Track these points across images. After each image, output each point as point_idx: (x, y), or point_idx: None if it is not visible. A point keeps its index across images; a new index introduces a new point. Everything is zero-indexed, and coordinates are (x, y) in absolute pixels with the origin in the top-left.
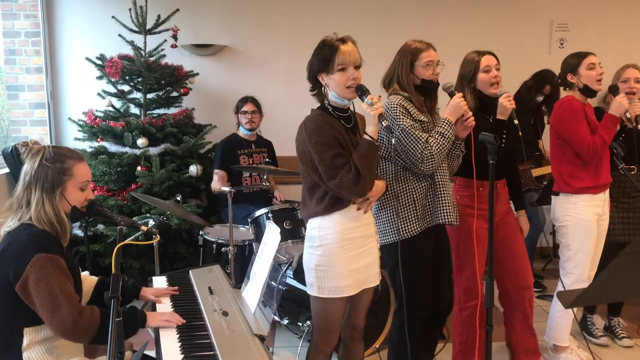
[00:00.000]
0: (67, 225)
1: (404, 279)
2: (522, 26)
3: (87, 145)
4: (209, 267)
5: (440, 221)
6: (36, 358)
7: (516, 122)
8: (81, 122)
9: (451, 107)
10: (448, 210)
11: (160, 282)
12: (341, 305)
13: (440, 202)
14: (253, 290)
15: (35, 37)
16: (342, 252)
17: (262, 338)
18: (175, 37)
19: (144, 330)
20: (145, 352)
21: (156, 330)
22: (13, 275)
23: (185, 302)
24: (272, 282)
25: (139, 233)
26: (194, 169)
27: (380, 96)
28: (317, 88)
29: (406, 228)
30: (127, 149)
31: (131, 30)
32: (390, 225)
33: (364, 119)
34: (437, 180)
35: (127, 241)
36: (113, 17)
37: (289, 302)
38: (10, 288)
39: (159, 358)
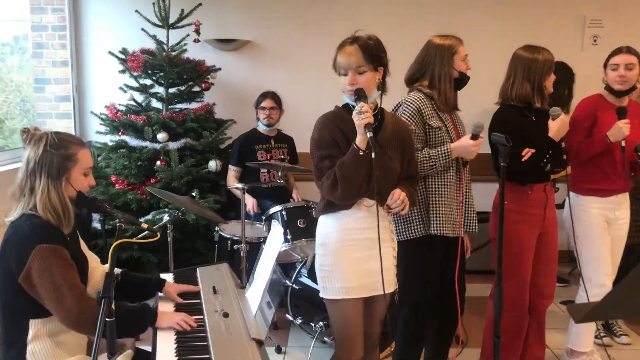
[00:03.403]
0: (71, 212)
1: (409, 276)
2: (553, 21)
3: (109, 139)
4: (216, 265)
5: (433, 232)
6: (40, 352)
7: (563, 145)
8: (103, 116)
9: (463, 148)
10: (440, 222)
11: (168, 279)
12: (356, 308)
13: (434, 212)
14: (255, 291)
15: (62, 31)
16: (344, 252)
17: (260, 342)
18: (197, 31)
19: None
20: (141, 346)
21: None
22: (16, 267)
23: (188, 301)
24: (275, 284)
25: (145, 233)
26: (213, 165)
27: (373, 103)
28: None
29: (410, 230)
30: (147, 143)
31: (154, 24)
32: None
33: (398, 123)
34: (431, 191)
35: (124, 240)
36: (136, 11)
37: (302, 301)
38: (14, 280)
39: (153, 356)
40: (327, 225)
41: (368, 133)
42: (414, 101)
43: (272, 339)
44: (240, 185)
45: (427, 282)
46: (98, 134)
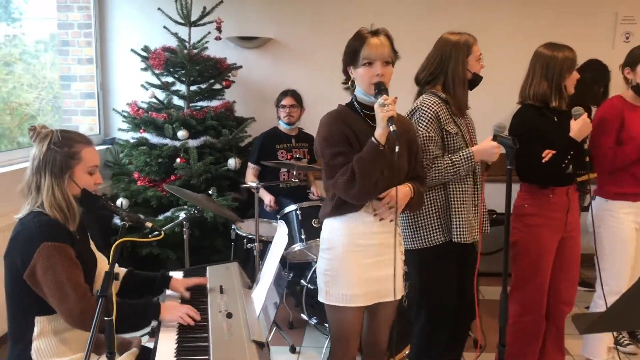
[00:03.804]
0: (75, 210)
1: (425, 282)
2: (584, 18)
3: (130, 136)
4: (226, 264)
5: (455, 239)
6: (45, 349)
7: (586, 146)
8: (125, 113)
9: (485, 150)
10: (462, 230)
11: (177, 276)
12: (356, 315)
13: (456, 220)
14: (260, 292)
15: (87, 29)
16: (352, 258)
17: (260, 344)
18: (219, 29)
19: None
20: (149, 344)
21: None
22: (21, 264)
23: (194, 300)
24: (278, 285)
25: (155, 233)
26: (232, 162)
27: (396, 97)
28: (349, 81)
29: (428, 238)
30: (167, 141)
31: (176, 22)
32: (412, 231)
33: (402, 120)
34: (452, 197)
35: (126, 239)
36: (159, 9)
37: (318, 301)
38: (21, 276)
39: (153, 354)
40: (333, 228)
41: (391, 127)
42: (431, 106)
43: (286, 338)
44: (254, 184)
45: (445, 288)
46: (120, 130)
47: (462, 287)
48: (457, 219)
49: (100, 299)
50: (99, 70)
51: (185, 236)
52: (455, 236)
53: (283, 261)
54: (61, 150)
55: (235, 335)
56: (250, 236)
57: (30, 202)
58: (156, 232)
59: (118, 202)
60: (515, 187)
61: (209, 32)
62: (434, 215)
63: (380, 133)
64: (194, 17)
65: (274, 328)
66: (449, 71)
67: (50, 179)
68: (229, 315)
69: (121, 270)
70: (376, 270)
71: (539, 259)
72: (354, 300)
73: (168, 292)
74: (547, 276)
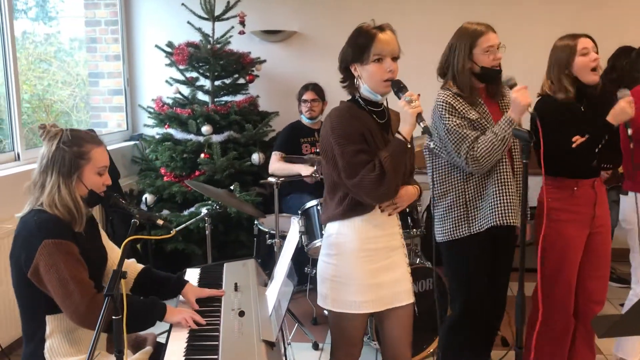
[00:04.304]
0: (82, 210)
1: (454, 278)
2: (616, 7)
3: (155, 132)
4: (243, 261)
5: (495, 223)
6: (57, 348)
7: (630, 131)
8: (150, 109)
9: (513, 102)
10: (505, 211)
11: (194, 273)
12: (363, 322)
13: (497, 202)
14: (273, 290)
15: (114, 26)
16: (360, 263)
17: (271, 344)
18: (242, 23)
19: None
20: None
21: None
22: (24, 262)
23: (207, 298)
24: (288, 284)
25: (169, 232)
26: (256, 157)
27: (419, 94)
28: (348, 79)
29: (455, 230)
30: (191, 136)
31: (200, 17)
32: (441, 223)
33: (400, 115)
34: (495, 178)
35: (137, 236)
36: (183, 4)
37: None
38: (25, 275)
39: (164, 350)
40: (344, 232)
41: (422, 123)
42: (444, 98)
43: (308, 334)
44: (273, 180)
45: (476, 281)
46: (145, 126)
47: (492, 282)
48: (501, 201)
49: (107, 298)
50: (126, 67)
51: (207, 232)
52: (498, 219)
53: (306, 257)
54: (70, 149)
55: (245, 334)
56: (272, 231)
57: (31, 200)
58: (168, 229)
59: (143, 198)
60: (534, 179)
61: (232, 27)
62: (462, 207)
63: (407, 130)
64: (217, 12)
65: (296, 325)
66: (453, 65)
67: (58, 178)
68: (242, 314)
69: (137, 267)
70: (384, 275)
71: (565, 255)
72: (363, 307)
73: (181, 298)
74: (574, 274)
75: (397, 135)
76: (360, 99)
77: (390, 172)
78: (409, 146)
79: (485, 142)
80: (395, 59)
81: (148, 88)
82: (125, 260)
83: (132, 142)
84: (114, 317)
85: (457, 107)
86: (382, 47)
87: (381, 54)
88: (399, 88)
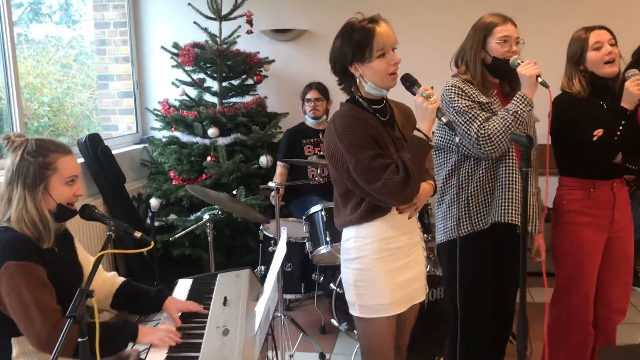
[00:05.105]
0: (50, 226)
1: (460, 281)
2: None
3: (162, 135)
4: (237, 271)
5: (499, 219)
6: None
7: None
8: (157, 112)
9: (521, 79)
10: (510, 208)
11: (185, 285)
12: (391, 325)
13: (504, 198)
14: (260, 305)
15: (123, 27)
16: (383, 265)
17: None
18: (249, 22)
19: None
20: None
21: None
22: None
23: (194, 314)
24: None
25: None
26: (264, 160)
27: (432, 87)
28: (346, 81)
29: (457, 227)
30: (198, 139)
31: (206, 17)
32: (444, 222)
33: (402, 107)
34: (502, 172)
35: (108, 251)
36: (189, 4)
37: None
38: None
39: None
40: (362, 235)
41: (443, 118)
42: (453, 82)
43: (314, 345)
44: (273, 185)
45: (478, 285)
46: (153, 129)
47: (500, 286)
48: (506, 196)
49: (69, 320)
50: (135, 69)
51: (209, 238)
52: (496, 216)
53: (311, 264)
54: (35, 160)
55: (226, 356)
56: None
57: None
58: (146, 242)
59: (151, 202)
60: (551, 180)
61: (240, 26)
62: (463, 203)
63: (428, 127)
64: (225, 11)
65: (301, 335)
66: (466, 52)
67: (23, 191)
68: (225, 332)
69: (117, 281)
70: (405, 273)
71: (581, 261)
72: (391, 309)
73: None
74: (591, 281)
75: (417, 133)
76: (361, 99)
77: (415, 173)
78: (431, 143)
79: (497, 120)
80: (394, 49)
81: (157, 90)
82: (106, 273)
83: (141, 146)
84: (79, 340)
85: (466, 91)
86: (383, 41)
87: (384, 47)
88: (410, 82)
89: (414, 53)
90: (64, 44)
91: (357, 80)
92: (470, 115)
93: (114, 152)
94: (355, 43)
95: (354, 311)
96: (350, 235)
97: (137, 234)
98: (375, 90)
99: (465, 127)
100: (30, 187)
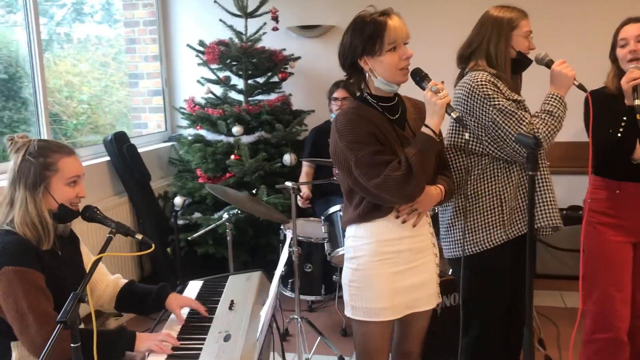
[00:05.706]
0: (50, 227)
1: (474, 294)
2: None
3: (188, 133)
4: (248, 274)
5: (545, 223)
6: None
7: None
8: (182, 110)
9: (555, 77)
10: (550, 212)
11: (195, 286)
12: (384, 330)
13: (541, 202)
14: (264, 310)
15: (152, 26)
16: (379, 267)
17: None
18: (275, 19)
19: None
20: None
21: None
22: None
23: (198, 318)
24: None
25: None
26: (287, 158)
27: (443, 81)
28: (354, 75)
29: (489, 237)
30: (222, 137)
31: (233, 14)
32: (469, 234)
33: (417, 105)
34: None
35: (106, 254)
36: (215, 1)
37: None
38: None
39: None
40: (360, 235)
41: (453, 114)
42: (484, 77)
43: (332, 348)
44: (290, 184)
45: (502, 294)
46: (179, 128)
47: (516, 292)
48: (545, 200)
49: (59, 325)
50: (164, 67)
51: (228, 237)
52: (547, 220)
53: (331, 265)
54: (36, 160)
55: None
56: (299, 237)
57: (2, 218)
58: (148, 244)
59: (175, 200)
60: (580, 179)
61: (265, 23)
62: (496, 210)
63: (437, 122)
64: (250, 8)
65: (319, 338)
66: (490, 46)
67: (25, 192)
68: (227, 338)
69: (120, 283)
70: (407, 279)
71: (606, 264)
72: (380, 314)
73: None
74: (620, 286)
75: (424, 129)
76: (369, 96)
77: (418, 170)
78: (439, 140)
79: (544, 123)
80: (405, 44)
81: (185, 88)
82: (110, 276)
83: (169, 144)
84: (72, 345)
85: (500, 87)
86: (395, 35)
87: (396, 41)
88: (420, 77)
89: (429, 48)
90: (103, 43)
91: (367, 75)
92: (517, 117)
93: (142, 150)
94: (366, 36)
95: (347, 311)
96: (350, 234)
97: (139, 236)
98: (385, 85)
99: (513, 129)
100: (31, 187)
